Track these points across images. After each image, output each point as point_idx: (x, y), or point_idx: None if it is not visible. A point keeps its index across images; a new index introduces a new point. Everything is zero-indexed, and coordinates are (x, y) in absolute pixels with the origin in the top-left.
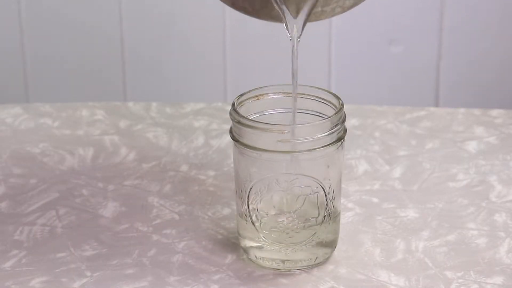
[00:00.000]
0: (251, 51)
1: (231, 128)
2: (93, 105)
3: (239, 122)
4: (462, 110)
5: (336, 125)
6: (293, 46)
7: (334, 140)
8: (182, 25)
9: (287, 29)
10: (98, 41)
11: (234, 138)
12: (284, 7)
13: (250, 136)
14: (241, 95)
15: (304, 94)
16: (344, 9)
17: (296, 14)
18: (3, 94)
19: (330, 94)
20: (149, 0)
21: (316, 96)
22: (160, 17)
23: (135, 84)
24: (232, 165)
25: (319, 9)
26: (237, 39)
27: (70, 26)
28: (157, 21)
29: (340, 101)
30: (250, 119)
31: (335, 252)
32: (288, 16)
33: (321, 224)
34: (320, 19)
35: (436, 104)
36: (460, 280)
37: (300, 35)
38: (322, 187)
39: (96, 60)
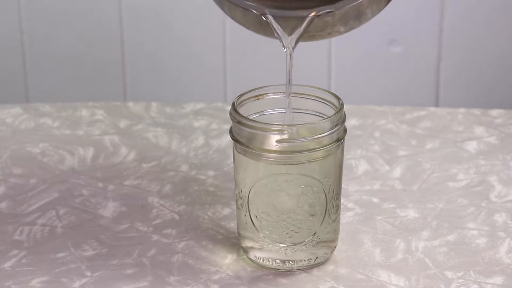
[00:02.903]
0: (251, 51)
1: (231, 128)
2: (93, 105)
3: (239, 122)
4: (462, 110)
5: (336, 125)
6: (287, 59)
7: (334, 140)
8: (182, 25)
9: (282, 44)
10: (98, 41)
11: (234, 138)
12: (278, 26)
13: (250, 136)
14: (241, 95)
15: (304, 94)
16: (341, 33)
17: (290, 33)
18: (3, 94)
19: (330, 94)
20: (149, 0)
21: (316, 96)
22: (160, 17)
23: (135, 84)
24: (232, 165)
25: (314, 33)
26: (237, 39)
27: (70, 26)
28: (157, 21)
29: (340, 101)
30: (250, 119)
31: (335, 252)
32: (282, 34)
33: (321, 224)
34: (316, 40)
35: (436, 104)
36: (460, 280)
37: (293, 48)
38: (322, 187)
39: (96, 60)
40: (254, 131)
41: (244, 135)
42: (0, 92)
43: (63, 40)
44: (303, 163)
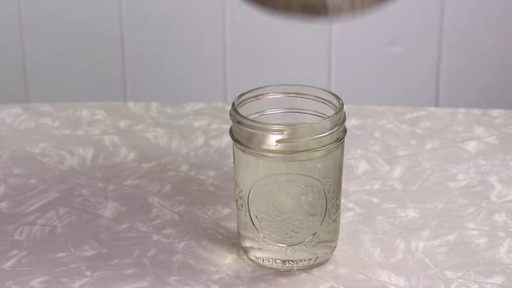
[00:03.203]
0: (251, 51)
1: (231, 128)
2: (93, 105)
3: (239, 122)
4: (462, 110)
5: (336, 125)
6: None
7: (334, 140)
8: (182, 25)
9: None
10: (98, 41)
11: (234, 138)
12: None
13: (250, 136)
14: (241, 95)
15: (304, 94)
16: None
17: None
18: (3, 94)
19: (330, 94)
20: (149, 0)
21: (316, 96)
22: (160, 17)
23: (135, 84)
24: (232, 165)
25: None
26: (237, 39)
27: (70, 26)
28: (157, 21)
29: (340, 101)
30: (250, 119)
31: (335, 252)
32: None
33: (321, 224)
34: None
35: (436, 104)
36: (460, 280)
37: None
38: (322, 187)
39: (96, 60)
40: (254, 131)
41: (244, 135)
42: (0, 92)
43: (63, 40)
44: (303, 162)
